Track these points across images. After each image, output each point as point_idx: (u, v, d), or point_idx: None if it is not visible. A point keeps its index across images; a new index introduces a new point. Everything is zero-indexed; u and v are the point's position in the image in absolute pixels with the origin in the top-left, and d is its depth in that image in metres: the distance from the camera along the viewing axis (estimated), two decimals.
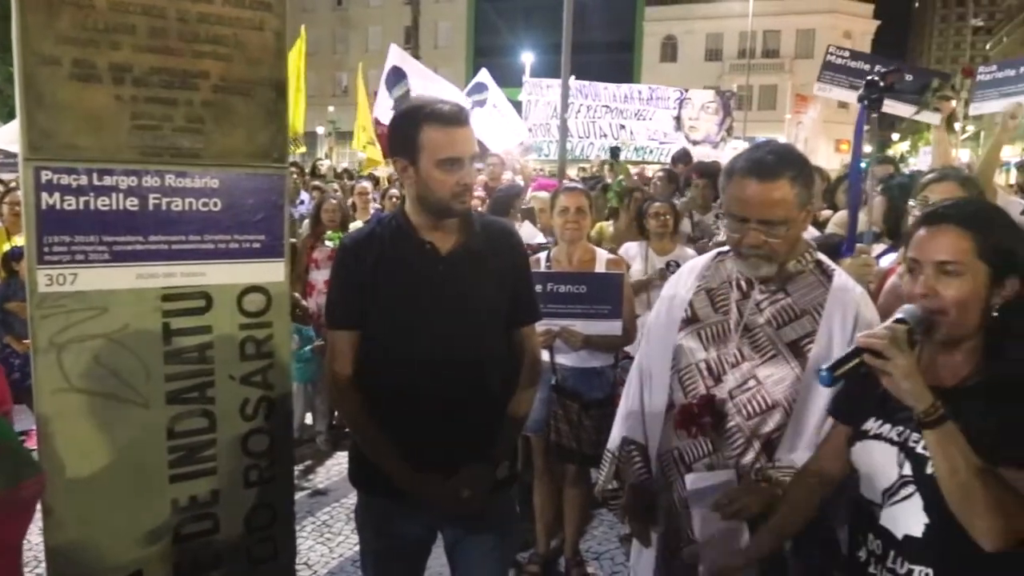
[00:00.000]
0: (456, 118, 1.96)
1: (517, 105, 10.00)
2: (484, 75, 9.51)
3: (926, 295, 1.45)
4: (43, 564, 2.03)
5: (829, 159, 26.39)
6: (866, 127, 3.25)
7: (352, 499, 3.56)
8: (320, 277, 5.11)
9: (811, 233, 3.77)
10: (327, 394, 4.79)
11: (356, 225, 5.25)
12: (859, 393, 1.59)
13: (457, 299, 2.02)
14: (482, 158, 7.87)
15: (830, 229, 4.19)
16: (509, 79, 13.30)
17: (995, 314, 1.45)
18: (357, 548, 2.35)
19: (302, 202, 8.17)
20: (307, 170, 10.72)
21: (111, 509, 2.03)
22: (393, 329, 2.02)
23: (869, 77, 3.16)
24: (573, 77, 7.40)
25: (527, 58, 27.23)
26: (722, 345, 1.94)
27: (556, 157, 7.57)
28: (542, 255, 3.59)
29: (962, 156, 12.70)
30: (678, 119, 11.19)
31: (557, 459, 3.50)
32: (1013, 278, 1.44)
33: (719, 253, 2.09)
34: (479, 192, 6.69)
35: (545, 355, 3.30)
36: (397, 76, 9.01)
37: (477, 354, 2.03)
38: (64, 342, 1.95)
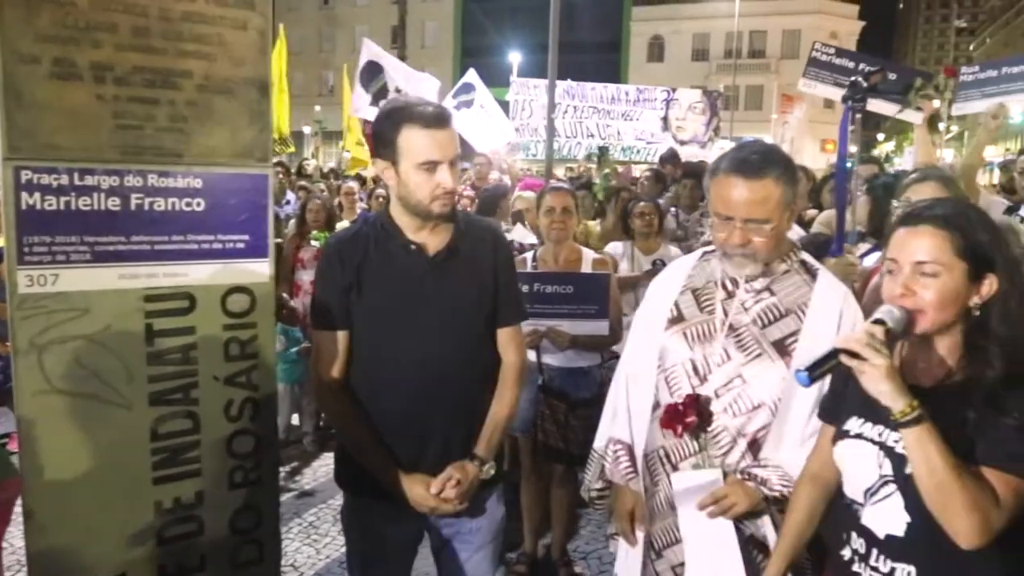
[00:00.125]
0: (437, 120, 1.93)
1: (504, 105, 9.99)
2: (472, 75, 9.49)
3: (904, 295, 1.46)
4: (26, 568, 2.00)
5: (815, 159, 26.60)
6: (851, 127, 3.27)
7: (339, 500, 3.54)
8: (307, 277, 5.08)
9: (797, 232, 3.80)
10: (313, 395, 4.77)
11: (343, 225, 5.24)
12: (844, 392, 1.60)
13: (443, 300, 2.01)
14: (469, 158, 7.87)
15: (815, 228, 4.22)
16: (497, 79, 13.28)
17: (976, 313, 1.46)
18: (344, 549, 2.34)
19: (288, 202, 8.12)
20: (293, 170, 10.66)
21: (94, 512, 2.01)
22: (378, 330, 2.01)
23: (853, 78, 3.19)
24: (562, 78, 7.40)
25: (515, 58, 27.25)
26: (707, 344, 1.94)
27: (543, 157, 7.58)
28: (528, 255, 3.59)
29: (946, 156, 12.81)
30: (665, 119, 11.22)
31: (544, 459, 3.51)
32: (991, 277, 1.45)
33: (705, 252, 2.10)
34: (468, 192, 6.68)
35: (532, 355, 3.30)
36: (373, 71, 8.97)
37: (463, 355, 2.03)
38: (45, 343, 1.92)
